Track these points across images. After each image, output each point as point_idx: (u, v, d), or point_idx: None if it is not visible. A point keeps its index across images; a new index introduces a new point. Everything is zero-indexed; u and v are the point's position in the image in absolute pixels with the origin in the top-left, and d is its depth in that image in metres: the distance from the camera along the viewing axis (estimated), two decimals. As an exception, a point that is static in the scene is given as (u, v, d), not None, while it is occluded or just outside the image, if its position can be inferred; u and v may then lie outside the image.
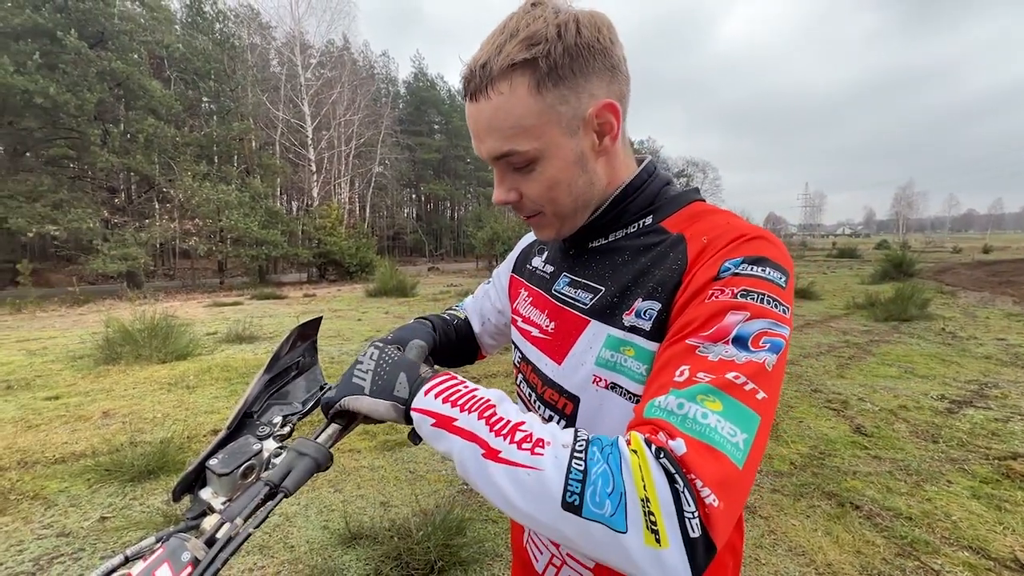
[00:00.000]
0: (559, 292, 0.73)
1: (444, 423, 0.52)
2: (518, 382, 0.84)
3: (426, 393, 0.55)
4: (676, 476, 0.42)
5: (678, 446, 0.43)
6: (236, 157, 22.56)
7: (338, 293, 15.87)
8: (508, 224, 27.03)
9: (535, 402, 0.75)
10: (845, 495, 2.81)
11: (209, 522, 0.46)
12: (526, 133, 0.57)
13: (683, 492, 0.41)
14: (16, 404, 4.53)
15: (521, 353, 0.81)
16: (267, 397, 0.67)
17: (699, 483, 0.42)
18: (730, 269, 0.53)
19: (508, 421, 0.50)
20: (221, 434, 0.56)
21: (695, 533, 0.40)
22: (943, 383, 4.83)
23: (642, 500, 0.41)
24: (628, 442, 0.46)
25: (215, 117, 21.70)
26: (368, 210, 35.25)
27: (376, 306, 11.91)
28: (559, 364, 0.69)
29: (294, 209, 30.96)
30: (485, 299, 1.00)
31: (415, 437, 0.59)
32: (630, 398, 0.59)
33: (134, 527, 2.59)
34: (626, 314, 0.61)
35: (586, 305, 0.67)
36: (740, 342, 0.49)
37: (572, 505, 0.43)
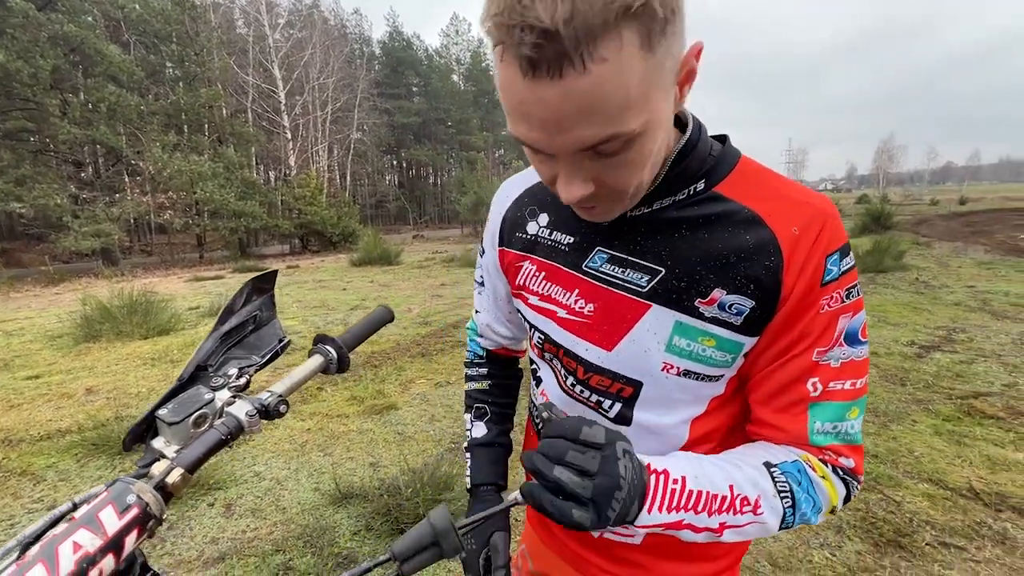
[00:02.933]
0: (597, 270, 0.63)
1: (673, 527, 0.52)
2: (545, 360, 0.76)
3: (649, 511, 0.50)
4: (850, 482, 0.58)
5: (847, 463, 0.58)
6: (207, 126, 21.66)
7: (322, 263, 15.68)
8: (492, 188, 26.65)
9: (574, 386, 0.69)
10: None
11: (158, 467, 0.47)
12: (632, 108, 0.42)
13: (853, 486, 0.59)
14: (-4, 384, 4.48)
15: (543, 334, 0.71)
16: (224, 351, 0.66)
17: (859, 476, 0.59)
18: (834, 272, 0.55)
19: (724, 497, 0.54)
20: (172, 385, 0.56)
21: (852, 497, 0.59)
22: (914, 330, 5.00)
23: (832, 506, 0.57)
24: (813, 468, 0.57)
25: (181, 84, 20.65)
26: (348, 178, 34.41)
27: (361, 275, 11.82)
28: (608, 351, 0.64)
29: (271, 179, 30.07)
30: (494, 307, 0.86)
31: None
32: (705, 380, 0.62)
33: (125, 497, 2.62)
34: (702, 302, 0.57)
35: (643, 288, 0.60)
36: (852, 338, 0.57)
37: (786, 528, 0.56)
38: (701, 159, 0.58)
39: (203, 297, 9.12)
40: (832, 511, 0.58)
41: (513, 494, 0.53)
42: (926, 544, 2.07)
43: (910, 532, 2.14)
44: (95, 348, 5.56)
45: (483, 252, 0.84)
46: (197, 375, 0.60)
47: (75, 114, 15.83)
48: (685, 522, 0.52)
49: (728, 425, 0.67)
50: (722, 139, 0.62)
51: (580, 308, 0.65)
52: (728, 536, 0.54)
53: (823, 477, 0.56)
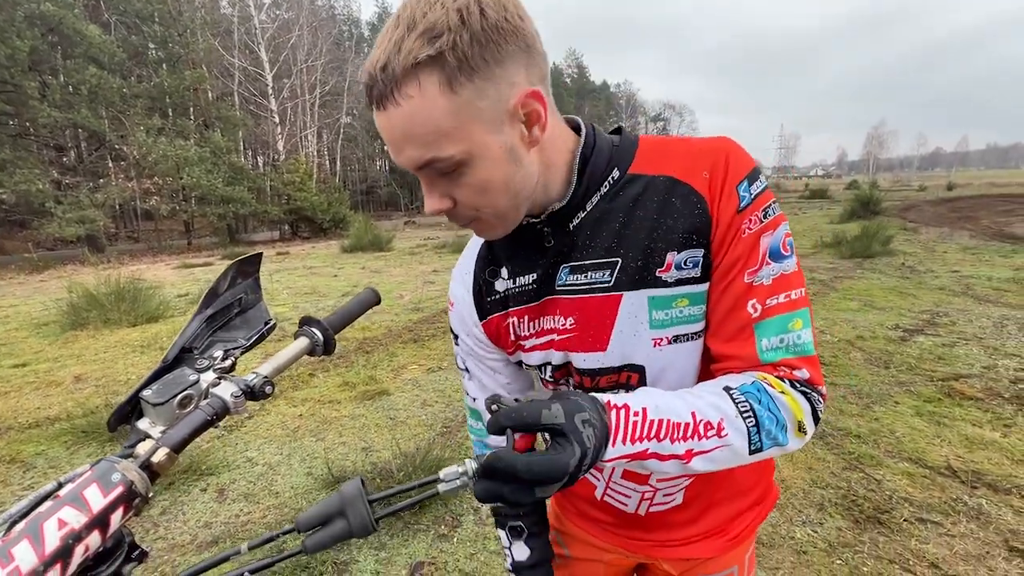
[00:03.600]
0: (565, 285, 0.68)
1: (639, 456, 0.53)
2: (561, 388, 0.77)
3: (613, 444, 0.51)
4: (810, 393, 0.59)
5: (802, 373, 0.60)
6: (192, 109, 21.21)
7: (312, 250, 15.55)
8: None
9: None
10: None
11: (144, 447, 0.47)
12: (447, 137, 0.52)
13: (815, 399, 0.59)
14: (-19, 373, 4.43)
15: (551, 365, 0.73)
16: (209, 334, 0.66)
17: (818, 387, 0.60)
18: (746, 198, 0.60)
19: (687, 424, 0.54)
20: (156, 367, 0.56)
21: (821, 414, 0.60)
22: (899, 314, 5.09)
23: (798, 422, 0.57)
24: (770, 384, 0.58)
25: (164, 66, 20.13)
26: (339, 163, 33.98)
27: (352, 262, 11.75)
28: (604, 351, 0.67)
29: (260, 164, 29.63)
30: (491, 383, 0.83)
31: None
32: (693, 338, 0.65)
33: (116, 483, 2.63)
34: (661, 271, 0.62)
35: (609, 282, 0.65)
36: (775, 254, 0.61)
37: (756, 450, 0.56)
38: (605, 153, 0.65)
39: (191, 284, 9.03)
40: (801, 429, 0.58)
41: (447, 483, 0.50)
42: (904, 520, 2.14)
43: (889, 509, 2.21)
44: (82, 336, 5.50)
45: (456, 340, 0.83)
46: (182, 357, 0.60)
47: (55, 97, 15.42)
48: (650, 451, 0.53)
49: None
50: (618, 131, 0.69)
51: (564, 326, 0.69)
52: (697, 464, 0.54)
53: (782, 392, 0.57)
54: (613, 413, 0.52)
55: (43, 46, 15.46)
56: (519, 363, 0.79)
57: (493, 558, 2.08)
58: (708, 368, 0.68)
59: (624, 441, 0.52)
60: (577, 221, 0.66)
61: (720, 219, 0.60)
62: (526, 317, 0.73)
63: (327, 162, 32.13)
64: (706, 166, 0.62)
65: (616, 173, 0.65)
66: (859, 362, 3.86)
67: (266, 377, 0.59)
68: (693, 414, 0.55)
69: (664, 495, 0.76)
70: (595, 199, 0.65)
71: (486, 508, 2.35)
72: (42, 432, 3.23)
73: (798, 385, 0.59)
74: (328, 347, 0.69)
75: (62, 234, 14.87)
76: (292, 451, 2.95)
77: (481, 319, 0.77)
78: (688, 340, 0.65)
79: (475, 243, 0.80)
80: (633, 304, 0.64)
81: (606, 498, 0.81)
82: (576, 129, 0.67)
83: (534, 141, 0.58)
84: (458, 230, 20.86)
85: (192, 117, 20.89)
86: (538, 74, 0.56)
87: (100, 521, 0.40)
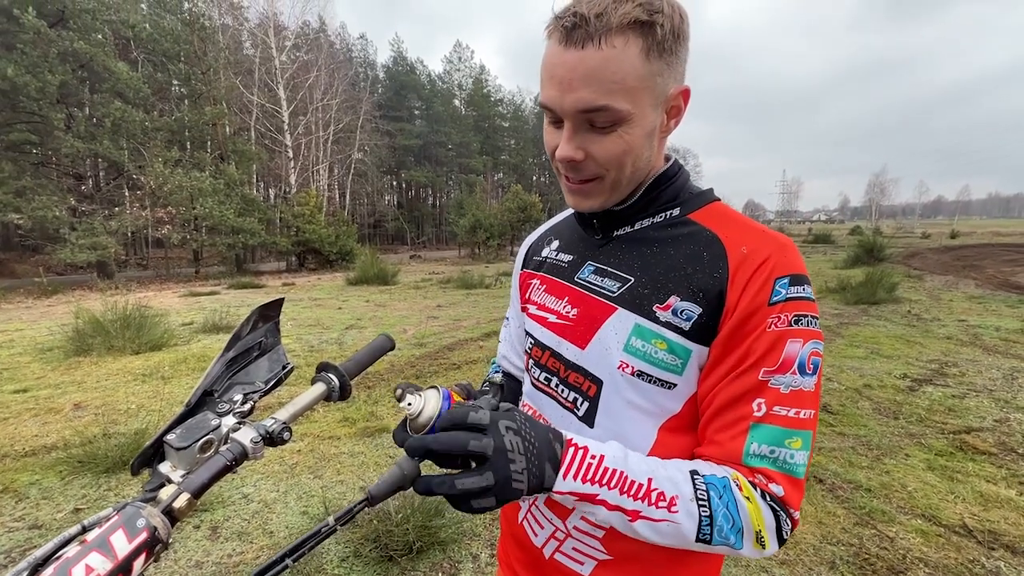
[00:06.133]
0: (583, 280, 0.74)
1: (587, 499, 0.55)
2: (529, 367, 0.84)
3: (564, 476, 0.54)
4: (779, 511, 0.56)
5: (777, 490, 0.57)
6: (209, 143, 21.89)
7: (318, 282, 15.67)
8: (490, 211, 26.90)
9: (557, 386, 0.76)
10: (810, 470, 2.94)
11: (166, 492, 0.48)
12: (626, 93, 0.57)
13: (783, 519, 0.57)
14: (-18, 398, 4.41)
15: (534, 339, 0.80)
16: (228, 377, 0.68)
17: (790, 510, 0.57)
18: (781, 294, 0.59)
19: (640, 485, 0.55)
20: (180, 411, 0.57)
21: (787, 535, 0.57)
22: (906, 363, 5.03)
23: (756, 532, 0.55)
24: (740, 487, 0.56)
25: (186, 101, 20.95)
26: (348, 197, 34.68)
27: (357, 294, 11.81)
28: (582, 349, 0.71)
29: (271, 196, 30.29)
30: (515, 338, 0.96)
31: None
32: (659, 384, 0.65)
33: (109, 517, 2.57)
34: (659, 307, 0.64)
35: (613, 293, 0.69)
36: (801, 368, 0.58)
37: (704, 540, 0.55)
38: (678, 190, 0.70)
39: (197, 313, 9.08)
40: (760, 542, 0.55)
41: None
42: (920, 582, 2.06)
43: (903, 569, 2.13)
44: (85, 362, 5.50)
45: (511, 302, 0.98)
46: (204, 400, 0.62)
47: (79, 128, 15.98)
48: (599, 497, 0.54)
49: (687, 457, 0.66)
50: (711, 190, 0.74)
51: (567, 312, 0.75)
52: (642, 528, 0.55)
53: (747, 498, 0.56)
54: (571, 449, 0.56)
55: (73, 81, 16.14)
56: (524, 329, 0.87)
57: (492, 610, 2.00)
58: (671, 444, 0.66)
59: (576, 477, 0.54)
60: (623, 232, 0.72)
61: (742, 302, 0.59)
62: (544, 287, 0.81)
63: (337, 196, 32.81)
64: (750, 244, 0.62)
65: (677, 211, 0.70)
66: (868, 412, 3.79)
67: (284, 423, 0.60)
68: (650, 480, 0.56)
69: (574, 548, 0.72)
70: (646, 223, 0.70)
71: (485, 555, 2.28)
72: (38, 461, 3.19)
73: (768, 498, 0.56)
74: (344, 392, 0.71)
75: (74, 260, 15.07)
76: (289, 488, 2.89)
77: (520, 268, 0.92)
78: (650, 383, 0.65)
79: (562, 215, 0.91)
80: (620, 322, 0.67)
81: (524, 522, 0.80)
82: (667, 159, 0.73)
83: (667, 132, 0.65)
84: (463, 265, 21.07)
85: (209, 150, 21.54)
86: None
87: (124, 568, 0.40)
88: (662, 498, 0.55)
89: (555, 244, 0.84)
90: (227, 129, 23.25)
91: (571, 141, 0.61)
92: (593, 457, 0.56)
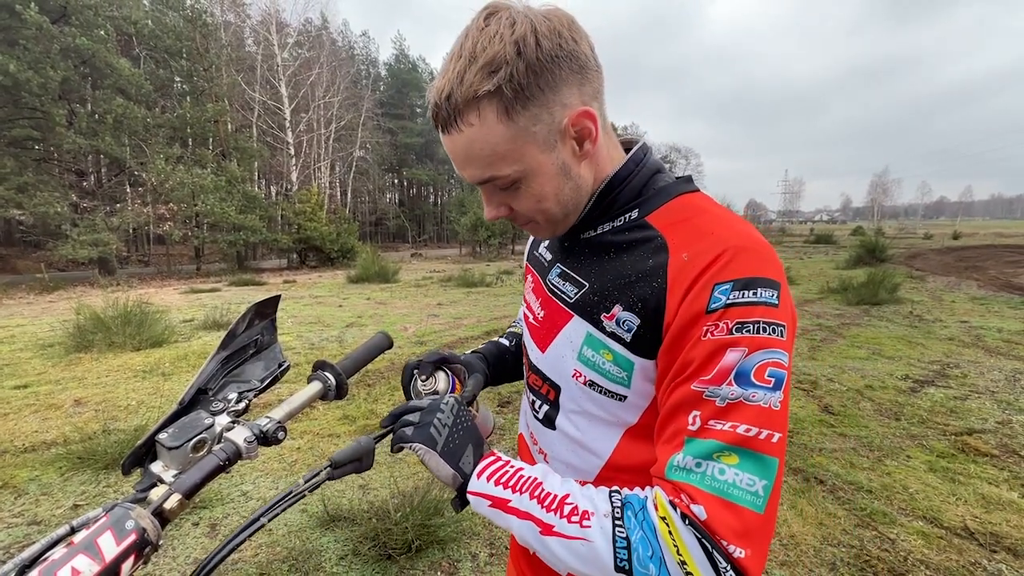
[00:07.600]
0: (551, 282, 0.74)
1: (499, 504, 0.56)
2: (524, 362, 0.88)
3: (479, 476, 0.57)
4: (704, 540, 0.47)
5: (700, 511, 0.48)
6: (211, 140, 21.90)
7: (319, 279, 15.67)
8: (491, 210, 26.74)
9: (528, 384, 0.80)
10: (811, 471, 2.93)
11: (156, 492, 0.47)
12: (504, 159, 0.57)
13: (713, 552, 0.47)
14: (-18, 393, 4.41)
15: (519, 335, 0.86)
16: (224, 375, 0.67)
17: (724, 542, 0.47)
18: (721, 300, 0.52)
19: (555, 496, 0.55)
20: (172, 409, 0.56)
21: (725, 574, 0.47)
22: (908, 364, 5.02)
23: (679, 563, 0.47)
24: (656, 506, 0.51)
25: (188, 98, 20.96)
26: (349, 195, 34.68)
27: (358, 292, 11.81)
28: (543, 352, 0.73)
29: (273, 194, 30.30)
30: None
31: (458, 505, 0.62)
32: (609, 395, 0.64)
33: (108, 514, 2.57)
34: (606, 317, 0.62)
35: (571, 299, 0.69)
36: (743, 378, 0.50)
37: (623, 569, 0.49)
38: (636, 189, 0.66)
39: (198, 309, 9.08)
40: (688, 573, 0.47)
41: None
42: (921, 584, 2.04)
43: (904, 572, 2.11)
44: (86, 358, 5.50)
45: None
46: (198, 398, 0.61)
47: (81, 124, 15.99)
48: (511, 504, 0.56)
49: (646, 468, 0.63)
50: (687, 179, 0.69)
51: (538, 313, 0.76)
52: (555, 546, 0.52)
53: (663, 518, 0.49)
54: (491, 457, 0.61)
55: (75, 77, 16.15)
56: None
57: (490, 609, 1.99)
58: (634, 452, 0.65)
59: (488, 479, 0.57)
60: (587, 236, 0.70)
61: (681, 311, 0.54)
62: (532, 284, 0.83)
63: (338, 193, 32.82)
64: (693, 249, 0.56)
65: (635, 214, 0.65)
66: (869, 412, 3.78)
67: (279, 422, 0.59)
68: (567, 494, 0.55)
69: None
70: (607, 227, 0.68)
71: (484, 554, 2.28)
72: (37, 457, 3.19)
73: (687, 521, 0.48)
74: (340, 391, 0.70)
75: (76, 256, 15.09)
76: (288, 485, 2.89)
77: (525, 260, 0.93)
78: (602, 394, 0.64)
79: None
80: (575, 330, 0.67)
81: None
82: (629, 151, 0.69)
83: (585, 155, 0.62)
84: (464, 263, 21.07)
85: (211, 147, 21.56)
86: (591, 91, 0.59)
87: (111, 571, 0.39)
88: (575, 512, 0.53)
89: (547, 243, 0.83)
90: (229, 126, 23.25)
91: (490, 204, 0.65)
92: (511, 466, 0.58)
